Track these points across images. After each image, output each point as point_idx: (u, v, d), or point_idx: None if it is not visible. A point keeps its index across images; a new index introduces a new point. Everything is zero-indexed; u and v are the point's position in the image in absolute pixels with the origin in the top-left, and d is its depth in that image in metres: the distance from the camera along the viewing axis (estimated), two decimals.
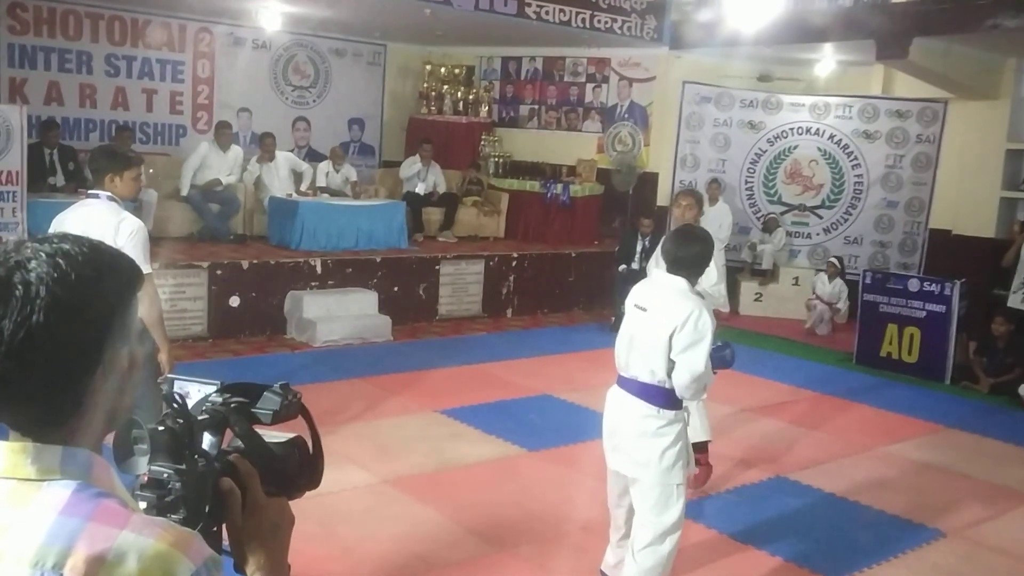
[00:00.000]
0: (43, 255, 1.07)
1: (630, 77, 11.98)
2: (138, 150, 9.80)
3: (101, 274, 1.11)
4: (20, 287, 1.05)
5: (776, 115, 11.35)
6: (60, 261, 1.07)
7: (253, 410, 1.33)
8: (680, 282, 3.65)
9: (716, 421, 6.63)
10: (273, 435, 1.35)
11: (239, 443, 1.31)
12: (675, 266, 3.68)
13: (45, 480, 1.07)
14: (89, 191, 4.39)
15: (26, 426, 1.09)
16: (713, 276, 4.69)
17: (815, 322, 10.36)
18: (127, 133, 9.95)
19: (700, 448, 5.13)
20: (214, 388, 1.35)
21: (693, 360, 3.49)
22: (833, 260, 10.60)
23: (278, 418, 1.34)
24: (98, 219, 4.19)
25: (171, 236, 9.17)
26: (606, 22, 10.71)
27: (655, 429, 3.59)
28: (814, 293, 10.48)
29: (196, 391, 1.34)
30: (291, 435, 1.36)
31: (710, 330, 3.52)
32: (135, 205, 8.65)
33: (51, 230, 4.24)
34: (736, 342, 6.60)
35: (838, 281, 10.44)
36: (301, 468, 1.36)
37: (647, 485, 3.63)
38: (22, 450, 1.08)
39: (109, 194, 4.28)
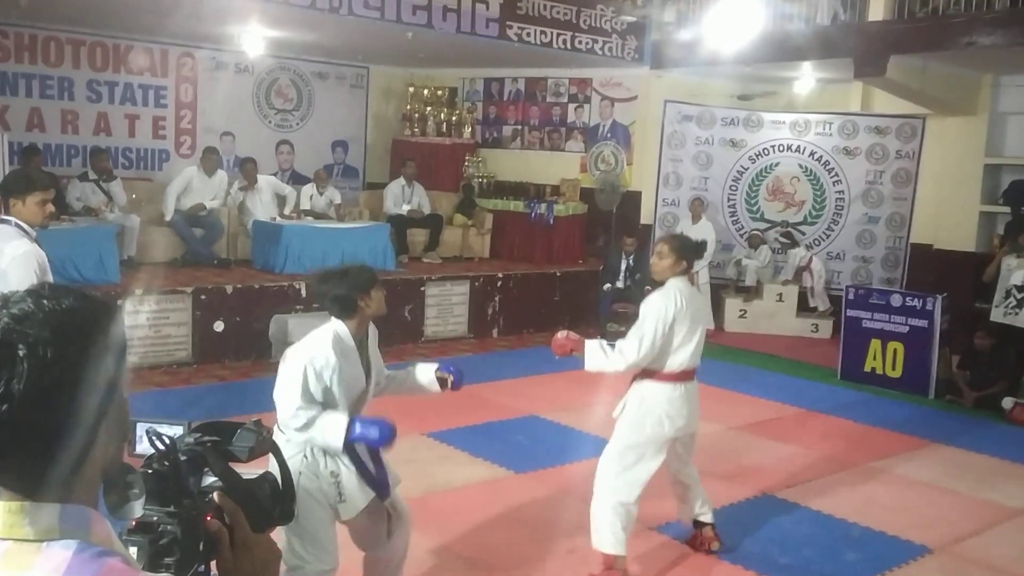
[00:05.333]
0: (40, 313, 1.04)
1: (612, 97, 12.06)
2: (121, 175, 9.79)
3: (99, 325, 1.08)
4: (23, 348, 1.01)
5: (757, 133, 11.44)
6: (61, 319, 1.05)
7: (228, 448, 1.34)
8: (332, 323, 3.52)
9: (703, 440, 6.65)
10: (244, 472, 1.36)
11: (212, 482, 1.31)
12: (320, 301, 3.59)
13: (44, 541, 1.03)
14: (2, 216, 4.14)
15: (23, 486, 1.05)
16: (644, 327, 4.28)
17: (818, 295, 10.82)
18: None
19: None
20: (182, 428, 1.35)
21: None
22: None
23: (254, 454, 1.35)
24: None
25: (154, 261, 9.14)
26: (587, 43, 10.79)
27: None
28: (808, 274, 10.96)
29: (166, 432, 1.34)
30: (261, 471, 1.37)
31: (297, 375, 3.35)
32: (117, 229, 8.65)
33: None
34: (721, 359, 6.66)
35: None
36: (273, 503, 1.36)
37: None
38: (19, 510, 1.04)
39: (16, 220, 4.04)
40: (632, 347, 4.23)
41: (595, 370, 4.34)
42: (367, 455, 3.56)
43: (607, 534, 4.35)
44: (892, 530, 5.14)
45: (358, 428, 3.38)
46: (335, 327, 3.51)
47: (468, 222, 11.38)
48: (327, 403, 3.43)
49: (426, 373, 3.92)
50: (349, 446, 3.41)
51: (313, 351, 3.43)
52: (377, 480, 3.56)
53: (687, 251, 4.42)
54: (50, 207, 4.17)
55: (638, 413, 4.37)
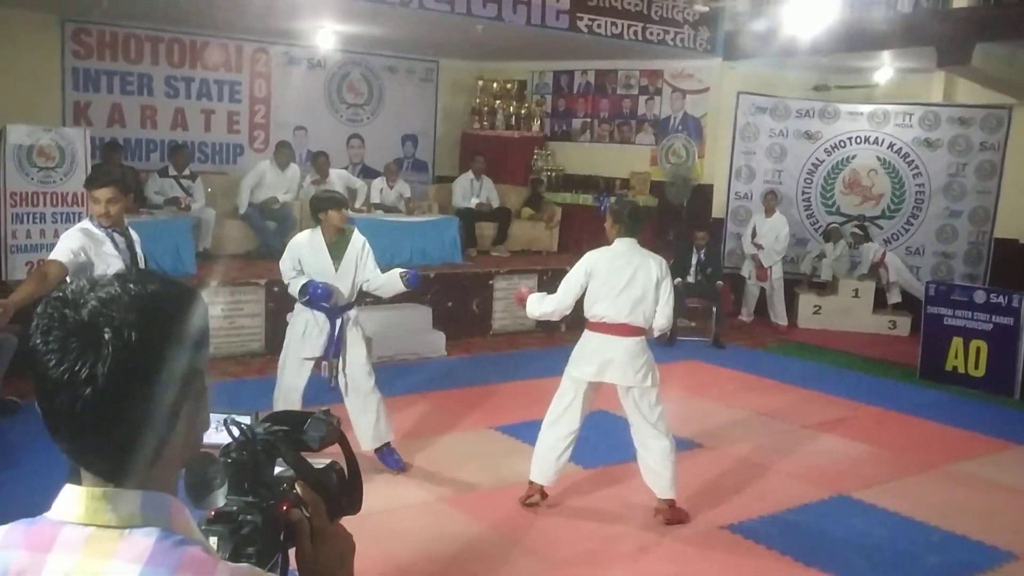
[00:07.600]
0: (126, 297, 1.03)
1: (683, 88, 11.88)
2: (197, 170, 9.99)
3: (184, 310, 1.08)
4: (108, 331, 1.00)
5: (833, 124, 11.16)
6: (146, 303, 1.04)
7: (300, 437, 1.33)
8: None
9: (777, 438, 6.53)
10: (311, 461, 1.35)
11: (282, 472, 1.30)
12: None
13: (126, 528, 1.03)
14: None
15: (108, 471, 1.05)
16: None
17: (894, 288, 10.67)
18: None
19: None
20: (250, 418, 1.34)
21: None
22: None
23: (324, 443, 1.33)
24: None
25: (228, 253, 9.30)
26: (659, 34, 10.64)
27: None
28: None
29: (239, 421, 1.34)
30: (328, 460, 1.36)
31: (284, 255, 5.42)
32: (193, 222, 8.82)
33: None
34: (794, 356, 6.35)
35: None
36: (341, 493, 1.35)
37: None
38: (102, 496, 1.04)
39: (89, 213, 4.17)
40: (555, 294, 4.99)
41: (531, 313, 5.10)
42: (335, 329, 5.25)
43: (533, 461, 5.05)
44: (975, 535, 4.95)
45: (310, 286, 5.15)
46: (311, 230, 5.35)
47: (537, 215, 11.34)
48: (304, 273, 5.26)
49: (392, 274, 5.32)
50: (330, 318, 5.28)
51: (291, 242, 5.39)
52: (328, 342, 5.26)
53: (623, 217, 5.03)
54: (103, 207, 4.10)
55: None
